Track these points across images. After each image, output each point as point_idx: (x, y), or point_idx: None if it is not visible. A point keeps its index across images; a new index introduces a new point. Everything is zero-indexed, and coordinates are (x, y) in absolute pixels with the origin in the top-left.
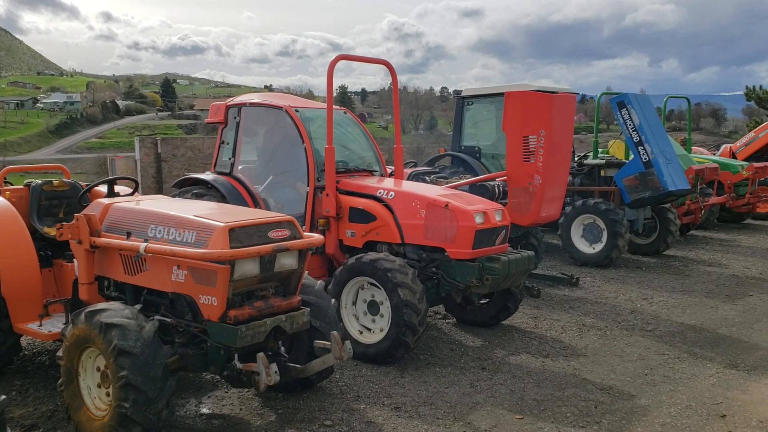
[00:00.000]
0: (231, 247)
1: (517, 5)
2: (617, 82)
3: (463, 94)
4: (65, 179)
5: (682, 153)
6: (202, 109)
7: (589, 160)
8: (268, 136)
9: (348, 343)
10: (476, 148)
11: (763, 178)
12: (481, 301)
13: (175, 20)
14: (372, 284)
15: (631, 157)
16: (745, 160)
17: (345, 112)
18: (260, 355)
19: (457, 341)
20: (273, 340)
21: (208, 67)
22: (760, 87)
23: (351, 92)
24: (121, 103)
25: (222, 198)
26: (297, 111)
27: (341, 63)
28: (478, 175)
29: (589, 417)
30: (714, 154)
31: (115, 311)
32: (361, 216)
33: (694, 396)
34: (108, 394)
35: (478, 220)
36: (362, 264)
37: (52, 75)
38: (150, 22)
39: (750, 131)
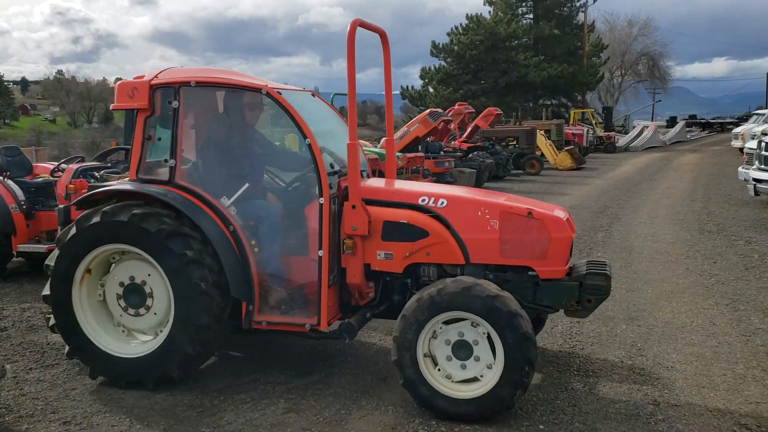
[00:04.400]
0: None
1: None
2: (294, 79)
3: None
4: None
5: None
6: None
7: None
8: (228, 128)
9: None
10: None
11: (415, 167)
12: None
13: None
14: (468, 321)
15: (302, 151)
16: (400, 151)
17: (313, 95)
18: None
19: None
20: None
21: None
22: (412, 87)
23: (8, 81)
24: None
25: (179, 217)
26: (280, 93)
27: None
28: None
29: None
30: (376, 146)
31: None
32: (404, 232)
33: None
34: None
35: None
36: (452, 295)
37: None
38: None
39: (404, 126)
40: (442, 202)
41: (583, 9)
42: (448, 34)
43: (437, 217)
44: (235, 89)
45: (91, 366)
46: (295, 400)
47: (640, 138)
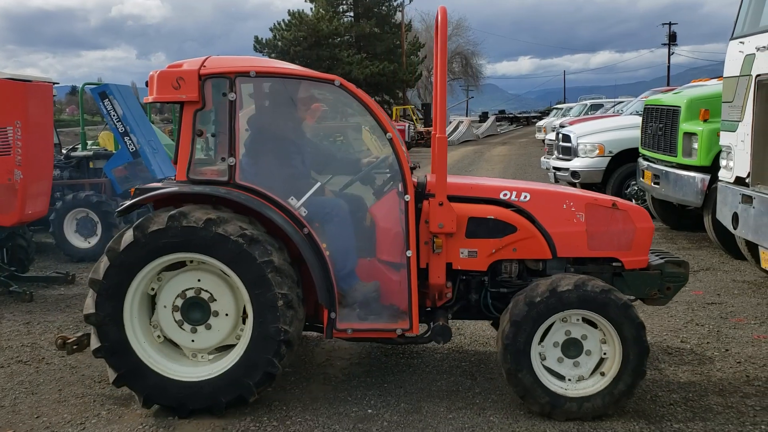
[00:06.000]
0: None
1: None
2: (109, 73)
3: None
4: None
5: (168, 142)
6: None
7: (78, 153)
8: (290, 123)
9: None
10: None
11: None
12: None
13: None
14: (573, 319)
15: (119, 147)
16: None
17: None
18: None
19: None
20: None
21: None
22: None
23: None
24: None
25: (258, 221)
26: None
27: None
28: None
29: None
30: None
31: None
32: (490, 228)
33: None
34: None
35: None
36: (565, 294)
37: None
38: None
39: None
40: (525, 196)
41: (401, 8)
42: (271, 30)
43: (521, 211)
44: (303, 80)
45: (146, 394)
46: (117, 411)
47: (456, 132)
